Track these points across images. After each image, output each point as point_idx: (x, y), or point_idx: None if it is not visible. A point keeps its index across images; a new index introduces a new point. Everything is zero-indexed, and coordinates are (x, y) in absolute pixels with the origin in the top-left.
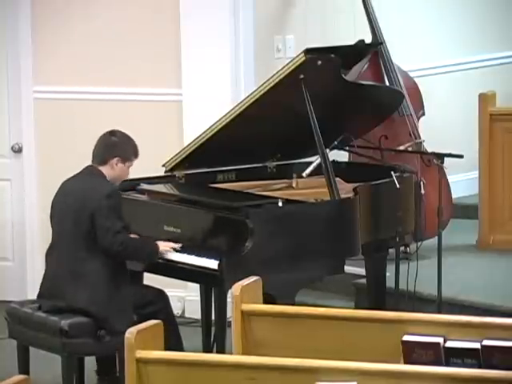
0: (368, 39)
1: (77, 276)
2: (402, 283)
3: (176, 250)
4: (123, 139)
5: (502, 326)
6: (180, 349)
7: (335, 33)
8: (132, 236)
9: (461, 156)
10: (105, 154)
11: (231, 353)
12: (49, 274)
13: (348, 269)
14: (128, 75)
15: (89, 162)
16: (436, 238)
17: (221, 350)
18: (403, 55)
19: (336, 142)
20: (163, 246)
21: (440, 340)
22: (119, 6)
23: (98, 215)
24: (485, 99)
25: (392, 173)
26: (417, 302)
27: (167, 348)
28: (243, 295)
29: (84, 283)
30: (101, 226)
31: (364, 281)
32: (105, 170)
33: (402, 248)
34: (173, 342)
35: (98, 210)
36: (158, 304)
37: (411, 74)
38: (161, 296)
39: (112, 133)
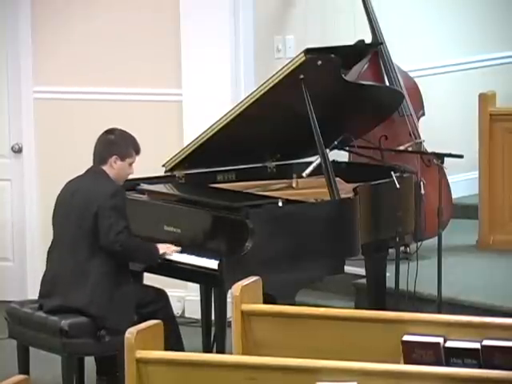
0: (368, 39)
1: (78, 275)
2: (402, 283)
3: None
4: (120, 136)
5: (502, 326)
6: (180, 348)
7: (335, 33)
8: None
9: (461, 156)
10: (103, 153)
11: (231, 353)
12: (50, 273)
13: (348, 269)
14: (128, 75)
15: (89, 162)
16: (436, 238)
17: (221, 350)
18: (403, 55)
19: (336, 142)
20: (164, 248)
21: (440, 340)
22: (119, 6)
23: (102, 214)
24: (485, 99)
25: (392, 173)
26: (417, 301)
27: (167, 348)
28: (243, 295)
29: (85, 283)
30: (103, 225)
31: (364, 281)
32: (106, 169)
33: (402, 248)
34: (173, 341)
35: (101, 210)
36: (158, 303)
37: (411, 74)
38: (161, 295)
39: (109, 131)
